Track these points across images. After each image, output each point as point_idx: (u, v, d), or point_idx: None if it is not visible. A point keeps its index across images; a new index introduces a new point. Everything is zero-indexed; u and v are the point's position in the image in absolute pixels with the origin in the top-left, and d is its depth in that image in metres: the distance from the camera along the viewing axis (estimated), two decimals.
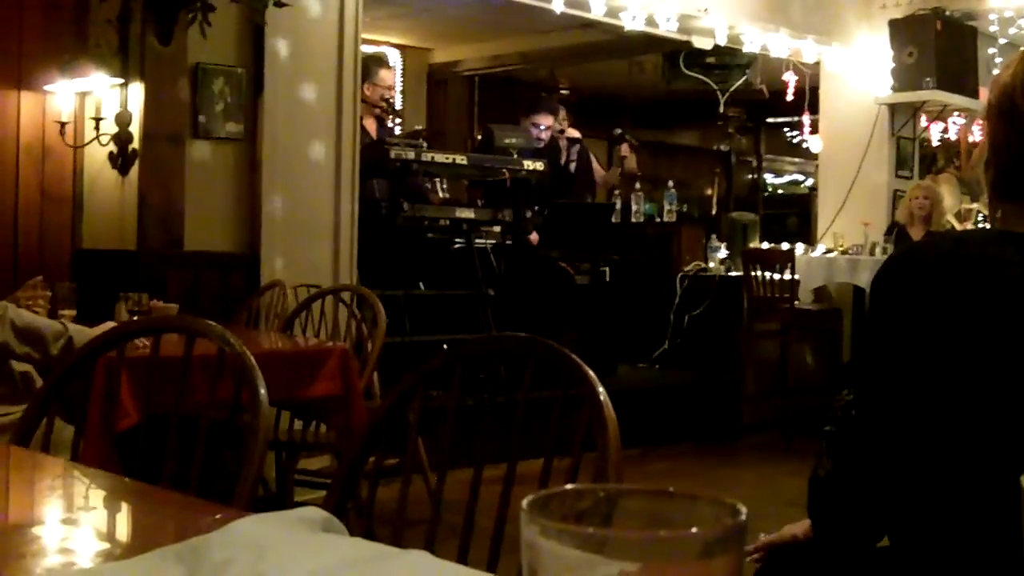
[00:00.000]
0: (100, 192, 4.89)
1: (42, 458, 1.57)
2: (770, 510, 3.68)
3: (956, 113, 7.72)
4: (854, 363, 1.50)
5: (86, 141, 4.82)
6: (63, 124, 4.80)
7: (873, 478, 1.35)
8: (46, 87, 4.90)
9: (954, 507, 1.28)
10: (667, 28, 6.62)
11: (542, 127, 6.94)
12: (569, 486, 0.53)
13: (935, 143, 8.10)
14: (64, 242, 5.07)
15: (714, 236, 7.64)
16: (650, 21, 6.52)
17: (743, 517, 0.51)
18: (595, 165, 7.34)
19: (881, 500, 1.35)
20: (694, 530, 0.50)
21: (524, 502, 0.50)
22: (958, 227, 7.29)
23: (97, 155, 4.81)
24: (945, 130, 7.88)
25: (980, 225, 7.14)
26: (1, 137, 5.00)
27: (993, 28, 7.30)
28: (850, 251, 7.14)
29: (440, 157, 5.76)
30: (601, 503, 0.53)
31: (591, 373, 1.36)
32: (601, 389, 1.34)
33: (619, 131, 7.34)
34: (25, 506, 1.31)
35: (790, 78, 7.58)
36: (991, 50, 7.37)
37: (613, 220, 7.29)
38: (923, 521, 1.32)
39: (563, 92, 9.74)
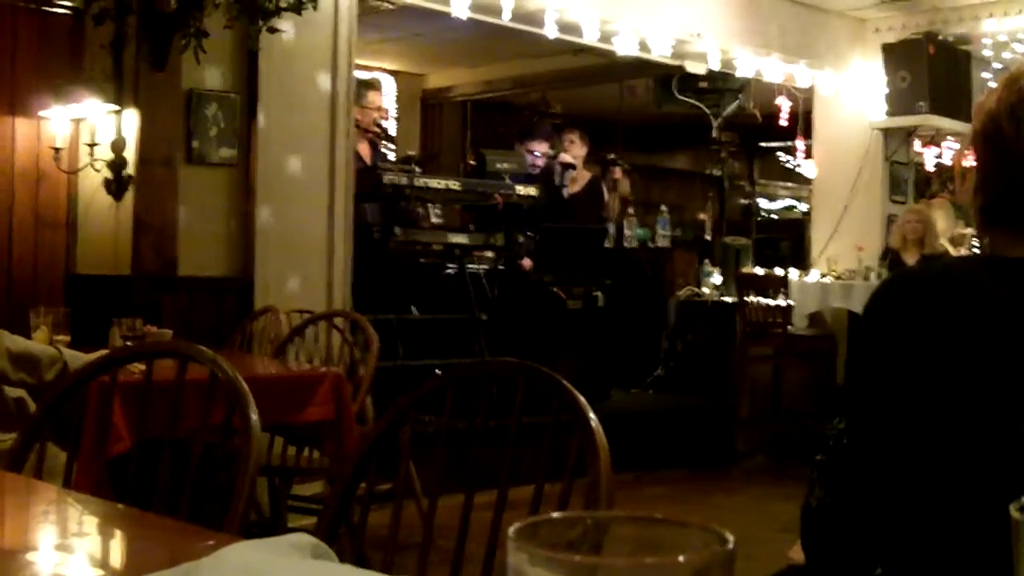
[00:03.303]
0: (94, 217, 4.90)
1: (35, 484, 1.56)
2: (764, 535, 3.68)
3: (950, 137, 7.75)
4: (845, 391, 1.48)
5: (80, 167, 4.83)
6: (57, 150, 4.81)
7: (866, 507, 1.34)
8: (40, 113, 4.91)
9: (949, 537, 1.27)
10: (660, 53, 6.66)
11: (537, 153, 6.97)
12: (556, 513, 0.53)
13: (929, 168, 8.13)
14: (58, 267, 5.07)
15: (707, 261, 7.66)
16: (643, 46, 6.56)
17: (731, 544, 0.51)
18: (607, 196, 7.31)
19: (875, 530, 1.35)
20: (682, 558, 0.50)
21: (511, 529, 0.50)
22: (952, 252, 7.31)
23: (91, 180, 4.81)
24: (939, 155, 7.90)
25: (975, 249, 7.16)
26: None
27: (987, 52, 7.34)
28: (844, 276, 7.15)
29: (433, 182, 5.78)
30: (589, 530, 0.53)
31: (582, 399, 1.36)
32: (592, 415, 1.34)
33: (612, 155, 7.36)
34: (18, 532, 1.31)
35: (783, 103, 7.62)
36: (985, 74, 7.40)
37: (606, 245, 7.30)
38: (918, 551, 1.31)
39: (552, 112, 9.76)
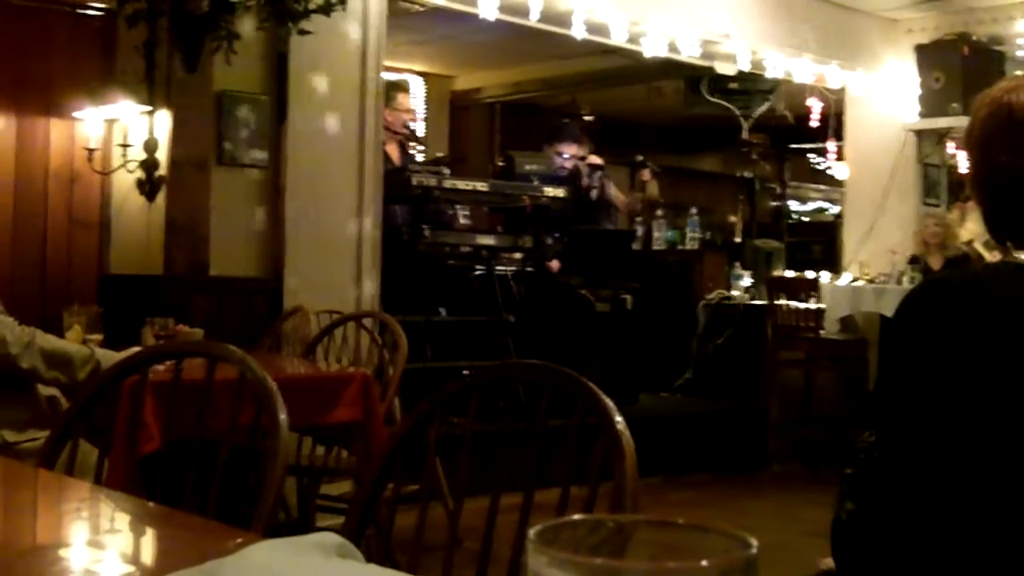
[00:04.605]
0: (127, 218, 4.94)
1: (67, 481, 1.58)
2: (793, 540, 3.65)
3: None
4: (875, 401, 1.46)
5: (114, 167, 4.88)
6: (91, 151, 4.86)
7: (898, 519, 1.33)
8: (75, 114, 4.97)
9: (986, 549, 1.25)
10: (689, 54, 6.63)
11: (565, 155, 6.96)
12: (576, 516, 0.53)
13: (963, 170, 8.04)
14: (91, 267, 5.12)
15: (738, 264, 7.61)
16: (672, 47, 6.53)
17: (753, 550, 0.51)
18: (614, 191, 7.31)
19: (906, 541, 1.33)
20: (704, 562, 0.49)
21: (531, 532, 0.49)
22: (987, 256, 7.23)
23: (124, 181, 4.86)
24: None
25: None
26: (30, 163, 5.07)
27: (1020, 53, 7.24)
28: (876, 280, 7.08)
29: (462, 184, 5.79)
30: (611, 533, 0.53)
31: (607, 401, 1.35)
32: (618, 418, 1.33)
33: (640, 157, 7.34)
34: (49, 528, 1.33)
35: (814, 104, 7.56)
36: (1018, 75, 7.30)
37: (634, 247, 7.28)
38: (951, 564, 1.29)
39: (586, 118, 9.76)
